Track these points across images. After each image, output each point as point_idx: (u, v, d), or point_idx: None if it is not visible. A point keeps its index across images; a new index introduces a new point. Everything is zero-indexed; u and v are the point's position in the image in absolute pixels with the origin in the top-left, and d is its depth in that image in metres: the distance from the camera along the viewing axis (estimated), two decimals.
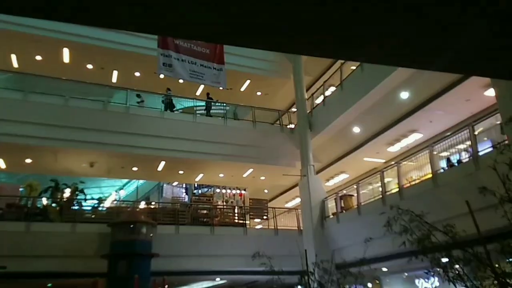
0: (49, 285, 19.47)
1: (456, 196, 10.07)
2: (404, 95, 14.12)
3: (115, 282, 13.52)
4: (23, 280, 16.26)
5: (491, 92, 11.42)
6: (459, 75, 12.00)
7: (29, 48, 17.29)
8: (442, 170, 11.44)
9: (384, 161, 18.14)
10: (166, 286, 14.66)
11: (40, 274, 15.07)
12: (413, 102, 14.31)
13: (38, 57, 18.03)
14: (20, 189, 17.78)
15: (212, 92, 20.31)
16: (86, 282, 14.82)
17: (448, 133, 12.17)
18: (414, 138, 16.06)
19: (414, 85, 13.66)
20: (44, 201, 16.38)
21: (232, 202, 22.26)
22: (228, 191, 23.08)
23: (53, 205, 16.18)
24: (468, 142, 10.56)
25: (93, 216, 16.31)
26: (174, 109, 18.33)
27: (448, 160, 12.46)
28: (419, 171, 12.88)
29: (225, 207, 20.93)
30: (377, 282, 16.62)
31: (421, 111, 14.20)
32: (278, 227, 18.34)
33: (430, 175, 11.48)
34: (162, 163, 18.37)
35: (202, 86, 20.78)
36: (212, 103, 19.44)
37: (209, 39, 2.41)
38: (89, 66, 19.17)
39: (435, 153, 11.75)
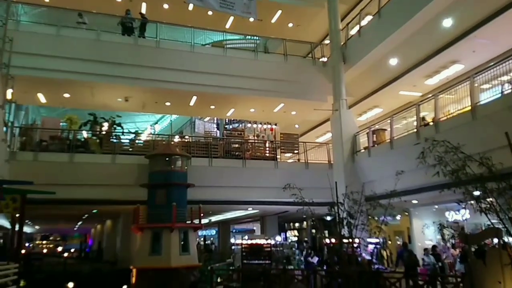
0: (95, 211, 21.10)
1: (495, 129, 9.74)
2: (447, 22, 13.21)
3: (155, 209, 14.42)
4: (70, 206, 17.69)
5: None
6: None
7: None
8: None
9: (420, 94, 17.52)
10: (202, 215, 15.55)
11: (86, 201, 16.29)
12: (456, 31, 13.42)
13: None
14: (61, 124, 18.62)
15: (242, 24, 19.74)
16: (128, 209, 15.96)
17: (492, 64, 11.44)
18: (454, 69, 15.26)
19: (458, 12, 12.74)
20: (85, 134, 17.15)
21: (263, 136, 22.53)
22: (259, 125, 23.28)
23: (93, 137, 16.92)
24: None
25: (130, 149, 17.00)
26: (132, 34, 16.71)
27: (423, 118, 13.04)
28: (457, 104, 12.41)
29: (256, 141, 21.23)
30: (406, 214, 16.88)
31: (464, 40, 13.35)
32: (309, 161, 18.59)
33: (469, 108, 11.04)
34: (194, 98, 18.55)
35: (231, 18, 20.22)
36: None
37: None
38: None
39: (476, 84, 11.18)
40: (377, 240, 13.44)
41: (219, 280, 14.33)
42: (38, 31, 15.33)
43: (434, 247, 14.06)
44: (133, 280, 14.14)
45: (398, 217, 17.18)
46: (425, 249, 14.16)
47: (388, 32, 14.87)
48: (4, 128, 12.62)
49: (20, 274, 9.64)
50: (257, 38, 20.03)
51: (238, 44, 21.55)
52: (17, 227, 10.26)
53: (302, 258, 16.72)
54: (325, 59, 19.43)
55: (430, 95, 13.83)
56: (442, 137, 7.97)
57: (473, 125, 10.68)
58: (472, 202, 7.55)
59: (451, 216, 14.56)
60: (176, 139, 20.45)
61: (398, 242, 17.74)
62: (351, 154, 16.68)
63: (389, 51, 15.72)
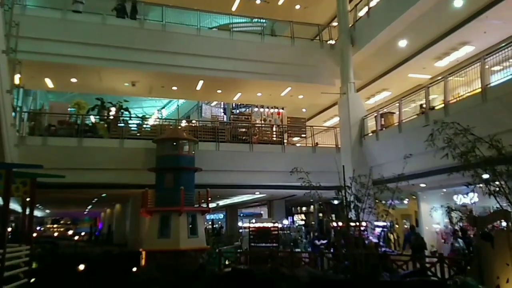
0: (104, 195, 21.33)
1: (505, 111, 9.62)
2: (458, 2, 12.90)
3: (163, 193, 14.54)
4: (80, 190, 17.90)
5: None
6: None
7: None
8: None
9: (430, 77, 17.24)
10: (209, 198, 15.66)
11: (95, 185, 16.46)
12: (467, 11, 13.09)
13: None
14: (69, 109, 18.70)
15: (248, 6, 19.50)
16: (137, 193, 16.12)
17: (503, 45, 11.18)
18: (465, 51, 14.97)
19: None
20: (92, 118, 17.22)
21: (270, 120, 22.49)
22: (266, 110, 23.22)
23: (101, 122, 16.99)
24: None
25: (138, 134, 17.07)
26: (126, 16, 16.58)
27: (421, 106, 13.23)
28: (467, 87, 12.22)
29: (263, 125, 21.19)
30: (414, 197, 16.83)
31: (475, 20, 13.02)
32: (316, 145, 18.53)
33: (479, 90, 10.85)
34: (201, 82, 18.48)
35: (238, 1, 20.00)
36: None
37: None
38: None
39: (486, 66, 10.97)
40: (384, 224, 13.45)
41: (227, 262, 14.51)
42: (45, 15, 15.28)
43: (463, 230, 12.83)
44: (143, 262, 14.39)
45: (405, 201, 17.12)
46: (455, 232, 13.74)
47: (398, 13, 14.56)
48: (13, 113, 12.70)
49: (32, 256, 9.84)
50: (264, 21, 19.80)
51: (245, 27, 21.34)
52: (27, 211, 10.44)
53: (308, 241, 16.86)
54: (333, 42, 19.18)
55: (440, 78, 13.62)
56: (452, 119, 7.87)
57: (483, 108, 10.51)
58: (481, 185, 7.51)
59: (459, 199, 14.44)
60: (183, 123, 20.46)
61: (406, 226, 17.74)
62: (359, 138, 16.60)
63: (398, 32, 15.42)
